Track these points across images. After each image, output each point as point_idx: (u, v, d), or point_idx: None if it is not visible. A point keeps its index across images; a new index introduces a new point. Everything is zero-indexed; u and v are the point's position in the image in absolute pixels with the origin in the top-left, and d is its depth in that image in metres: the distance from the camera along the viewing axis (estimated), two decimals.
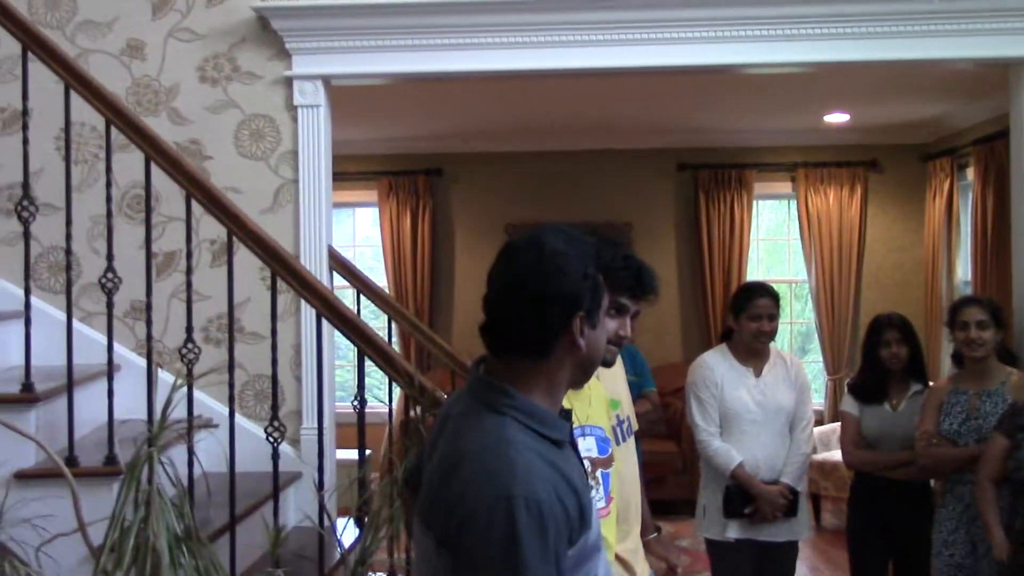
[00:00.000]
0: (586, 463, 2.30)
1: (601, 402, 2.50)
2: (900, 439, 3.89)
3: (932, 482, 3.91)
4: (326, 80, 3.89)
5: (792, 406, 3.93)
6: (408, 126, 7.65)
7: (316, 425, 3.59)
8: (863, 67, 4.06)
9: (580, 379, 1.74)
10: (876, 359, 4.02)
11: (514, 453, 1.52)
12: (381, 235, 8.22)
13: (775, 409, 3.91)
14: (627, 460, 2.91)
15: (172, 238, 3.84)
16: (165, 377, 3.49)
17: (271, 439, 2.82)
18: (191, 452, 2.71)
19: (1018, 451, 3.26)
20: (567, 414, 1.77)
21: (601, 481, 2.35)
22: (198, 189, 2.81)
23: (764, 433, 3.89)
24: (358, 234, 8.77)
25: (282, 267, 2.80)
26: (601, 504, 2.32)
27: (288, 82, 3.88)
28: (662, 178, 8.23)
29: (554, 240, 1.64)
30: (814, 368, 8.56)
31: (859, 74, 5.23)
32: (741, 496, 3.85)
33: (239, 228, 2.81)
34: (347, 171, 8.23)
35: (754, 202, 8.19)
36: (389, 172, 8.22)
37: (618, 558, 2.77)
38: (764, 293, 3.96)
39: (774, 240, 8.75)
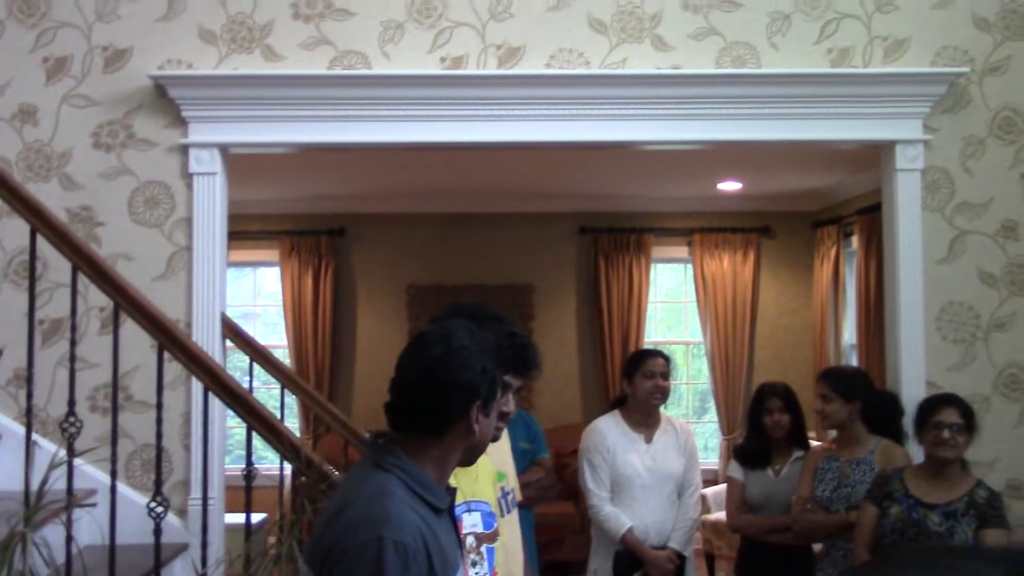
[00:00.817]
0: (471, 539, 2.35)
1: (488, 476, 2.56)
2: (782, 504, 4.01)
3: (816, 547, 4.03)
4: (223, 148, 3.91)
5: (681, 472, 4.04)
6: (310, 186, 7.65)
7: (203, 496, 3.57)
8: (752, 146, 4.24)
9: (469, 459, 1.96)
10: (760, 426, 4.15)
11: (390, 502, 1.73)
12: (282, 294, 8.16)
13: (665, 475, 4.00)
14: (511, 531, 2.96)
15: (60, 304, 3.77)
16: (50, 447, 3.42)
17: (152, 514, 2.78)
18: (69, 532, 2.66)
19: (884, 519, 3.39)
20: (452, 491, 1.96)
21: (486, 556, 2.39)
22: (84, 261, 2.79)
23: (654, 498, 3.98)
24: (260, 292, 8.69)
25: (169, 340, 2.79)
26: None
27: (184, 150, 3.88)
28: (563, 241, 8.38)
29: (461, 335, 1.87)
30: (710, 428, 8.75)
31: (751, 148, 5.44)
32: (630, 560, 3.92)
33: (125, 300, 2.80)
34: (248, 230, 8.19)
35: (652, 265, 8.39)
36: (291, 232, 8.19)
37: None
38: (657, 354, 4.08)
39: (671, 302, 8.96)
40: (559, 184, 7.68)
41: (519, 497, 3.03)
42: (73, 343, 2.91)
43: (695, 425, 8.79)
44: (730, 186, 7.72)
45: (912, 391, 3.86)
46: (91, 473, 3.69)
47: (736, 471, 4.21)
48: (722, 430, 8.32)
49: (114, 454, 2.89)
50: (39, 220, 2.80)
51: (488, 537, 2.43)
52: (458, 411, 1.83)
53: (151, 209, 3.89)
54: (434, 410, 1.83)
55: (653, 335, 8.64)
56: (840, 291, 7.74)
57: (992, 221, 3.99)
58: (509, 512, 2.98)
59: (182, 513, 3.78)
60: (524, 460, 3.94)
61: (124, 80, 3.88)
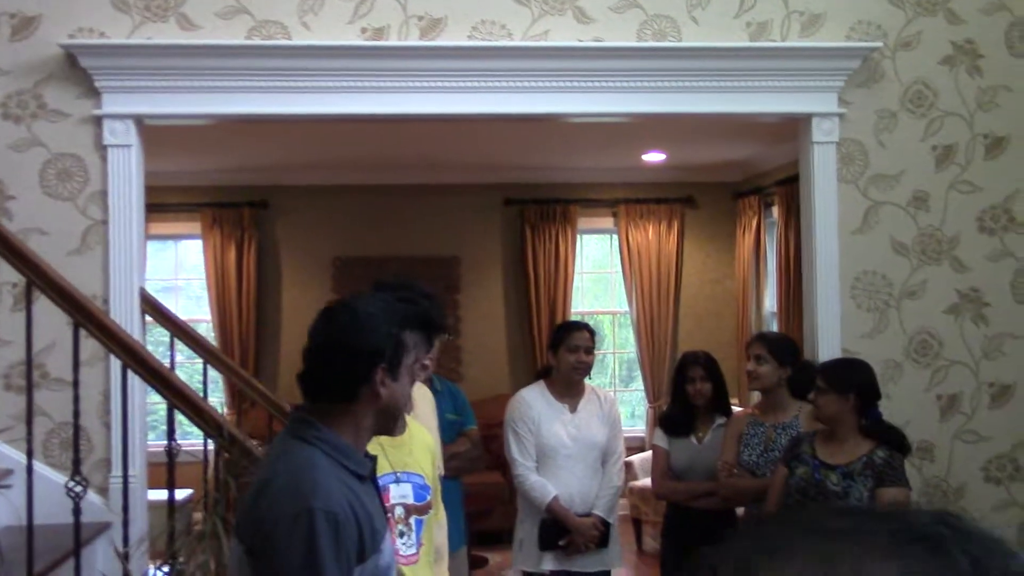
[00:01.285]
0: (399, 509, 2.36)
1: (423, 449, 2.58)
2: (705, 470, 4.09)
3: (739, 511, 4.13)
4: (138, 120, 3.82)
5: (605, 441, 4.09)
6: (232, 158, 7.52)
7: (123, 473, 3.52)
8: (673, 118, 4.28)
9: (385, 425, 1.97)
10: (683, 394, 4.23)
11: (317, 474, 1.76)
12: (205, 268, 8.03)
13: (589, 444, 4.06)
14: (437, 505, 3.00)
15: None
16: None
17: (71, 494, 2.73)
18: None
19: (790, 479, 3.49)
20: (372, 458, 1.98)
21: (414, 528, 2.41)
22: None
23: (578, 467, 4.03)
24: (182, 266, 8.54)
25: (85, 317, 2.73)
26: (412, 551, 2.38)
27: (97, 121, 3.78)
28: (489, 213, 8.38)
29: (366, 304, 1.93)
30: (636, 396, 8.87)
31: (671, 120, 5.50)
32: (556, 529, 3.97)
33: (38, 276, 2.73)
34: (169, 202, 8.03)
35: (578, 236, 8.45)
36: (212, 204, 8.05)
37: None
38: (582, 327, 4.13)
39: (598, 273, 9.03)
40: (484, 155, 7.67)
41: (442, 471, 3.06)
42: None
43: (622, 393, 8.91)
44: (654, 157, 7.79)
45: (828, 357, 3.95)
46: (7, 453, 3.63)
47: (661, 439, 4.28)
48: (648, 398, 8.44)
49: (30, 433, 2.83)
50: None
51: (419, 509, 2.45)
52: (364, 374, 1.85)
53: (64, 182, 3.79)
54: (341, 376, 1.86)
55: (580, 306, 8.71)
56: (761, 260, 7.89)
57: (904, 192, 4.10)
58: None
59: (103, 491, 3.72)
60: (451, 431, 3.96)
61: (33, 48, 3.76)
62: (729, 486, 3.91)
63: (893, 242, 4.09)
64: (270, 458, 1.91)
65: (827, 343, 4.05)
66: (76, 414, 2.81)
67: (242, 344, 7.93)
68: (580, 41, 3.97)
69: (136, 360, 2.73)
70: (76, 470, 2.79)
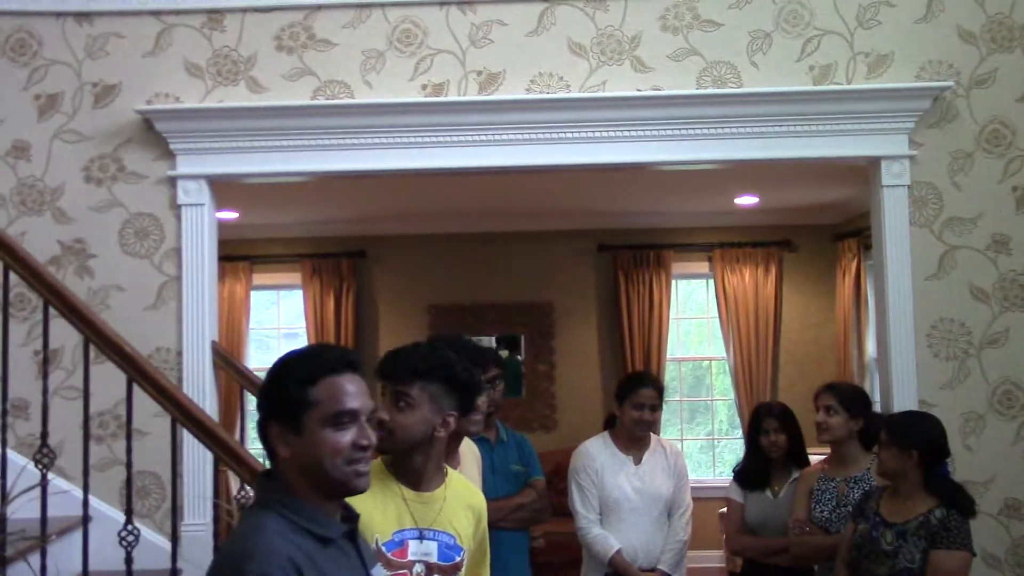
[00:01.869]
0: (419, 566, 2.35)
1: (463, 508, 2.50)
2: (780, 525, 3.97)
3: (816, 568, 3.98)
4: (209, 179, 3.99)
5: (670, 494, 4.02)
6: (330, 209, 7.75)
7: (200, 521, 3.64)
8: (737, 165, 4.22)
9: (325, 483, 1.82)
10: (757, 447, 4.12)
11: (259, 538, 1.71)
12: (305, 318, 8.26)
13: (653, 497, 3.99)
14: (483, 565, 2.99)
15: (54, 337, 3.87)
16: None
17: (123, 543, 2.84)
18: (44, 561, 2.73)
19: (854, 536, 3.35)
20: (353, 517, 1.92)
21: None
22: (54, 295, 2.87)
23: (642, 520, 3.97)
24: (283, 317, 8.81)
25: (137, 372, 2.86)
26: None
27: (172, 182, 3.97)
28: (582, 258, 8.38)
29: (285, 357, 1.88)
30: (736, 444, 8.66)
31: (752, 165, 5.41)
32: None
33: (95, 334, 2.87)
34: (270, 254, 8.33)
35: (673, 281, 8.35)
36: (312, 255, 8.30)
37: None
38: (648, 383, 4.08)
39: (694, 319, 8.90)
40: (577, 202, 7.69)
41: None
42: (46, 375, 2.99)
43: (725, 441, 8.72)
44: (747, 200, 7.67)
45: (904, 408, 3.79)
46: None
47: (735, 493, 4.18)
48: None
49: (86, 485, 2.95)
50: (12, 257, 2.89)
51: (442, 569, 2.40)
52: (263, 432, 1.82)
53: (141, 240, 3.98)
54: (260, 433, 1.85)
55: (676, 352, 8.60)
56: (863, 304, 7.64)
57: (982, 235, 3.92)
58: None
59: (178, 539, 3.85)
60: (517, 482, 3.95)
61: (113, 115, 3.99)
62: (801, 544, 3.79)
63: (972, 287, 3.92)
64: (236, 526, 1.89)
65: (903, 394, 3.89)
66: (129, 464, 2.93)
67: None
68: (638, 91, 3.97)
69: (184, 413, 2.83)
70: (129, 518, 2.90)
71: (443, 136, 3.98)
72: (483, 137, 3.98)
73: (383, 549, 2.29)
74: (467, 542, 2.49)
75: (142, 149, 3.98)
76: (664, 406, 8.32)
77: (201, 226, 3.96)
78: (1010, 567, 3.82)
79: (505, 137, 3.98)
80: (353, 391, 1.82)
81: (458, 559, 2.44)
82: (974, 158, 3.94)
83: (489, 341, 8.36)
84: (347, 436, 1.80)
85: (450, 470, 2.54)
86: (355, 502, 1.97)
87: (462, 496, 2.52)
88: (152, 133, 3.97)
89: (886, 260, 3.94)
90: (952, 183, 3.94)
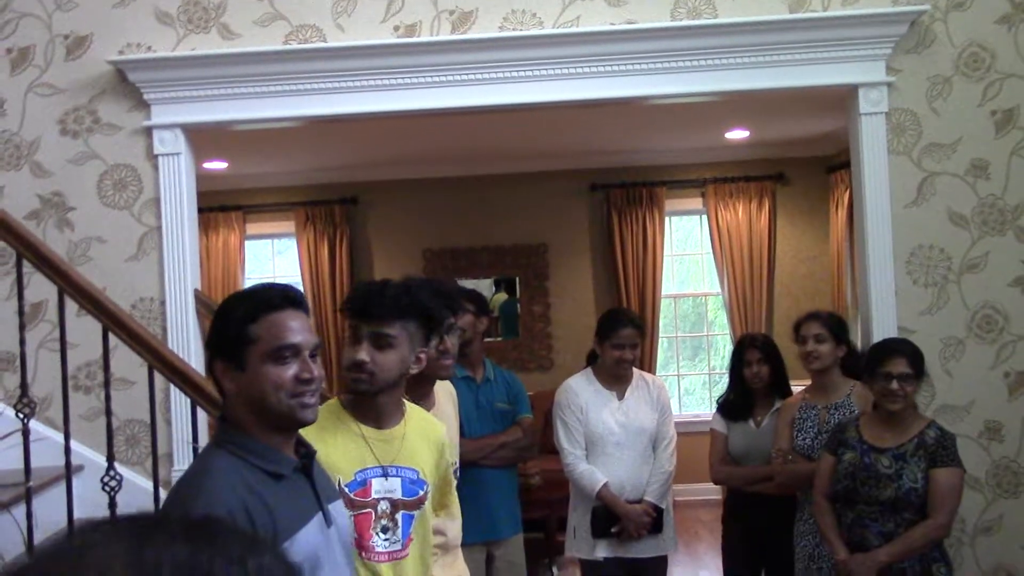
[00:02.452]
0: (384, 504, 2.38)
1: (425, 442, 2.53)
2: (763, 455, 4.02)
3: (799, 495, 4.04)
4: (185, 128, 3.98)
5: (654, 427, 4.06)
6: (321, 157, 7.74)
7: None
8: (710, 97, 4.19)
9: (271, 417, 1.86)
10: (740, 378, 4.16)
11: (206, 478, 1.74)
12: (299, 266, 8.29)
13: (637, 430, 4.03)
14: (453, 499, 3.03)
15: (38, 290, 3.91)
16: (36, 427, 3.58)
17: (106, 488, 2.89)
18: (28, 509, 2.79)
19: (840, 465, 3.40)
20: (309, 453, 1.95)
21: (400, 523, 2.41)
22: (29, 249, 2.89)
23: (627, 454, 4.02)
24: (278, 266, 8.84)
25: (112, 321, 2.88)
26: (396, 546, 2.39)
27: (148, 132, 3.97)
28: (575, 198, 8.36)
29: (229, 297, 1.92)
30: None
31: (736, 97, 5.37)
32: (607, 516, 3.97)
33: (69, 285, 2.89)
34: (263, 203, 8.33)
35: (666, 218, 8.34)
36: (305, 203, 8.30)
37: None
38: (627, 323, 4.09)
39: (688, 255, 8.90)
40: (568, 142, 7.66)
41: (456, 464, 3.10)
42: (22, 327, 3.01)
43: (727, 376, 8.74)
44: (738, 135, 7.62)
45: (884, 336, 3.81)
46: (77, 450, 3.84)
47: (718, 423, 4.23)
48: None
49: (67, 433, 3.00)
50: None
51: (407, 504, 2.43)
52: (208, 367, 1.87)
53: (119, 191, 3.99)
54: (208, 373, 1.90)
55: (670, 288, 8.61)
56: (856, 236, 7.61)
57: (961, 161, 3.91)
58: (454, 481, 3.05)
59: (167, 484, 3.91)
60: (504, 421, 3.99)
61: (86, 67, 3.97)
62: (785, 472, 3.84)
63: (951, 213, 3.91)
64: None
65: (883, 321, 3.91)
66: (108, 411, 2.98)
67: (337, 339, 8.15)
68: (612, 25, 3.93)
69: (157, 357, 2.86)
70: (110, 465, 2.95)
71: (417, 77, 3.96)
72: (458, 77, 3.96)
73: (345, 489, 2.31)
74: (430, 476, 2.51)
75: (116, 100, 3.97)
76: (664, 342, 8.41)
77: (179, 175, 3.96)
78: (990, 488, 3.86)
79: (480, 76, 3.96)
80: (295, 327, 1.86)
81: (422, 493, 2.46)
82: (952, 83, 3.91)
83: (488, 284, 8.39)
84: (289, 370, 1.83)
85: (409, 405, 2.56)
86: (314, 444, 2.00)
87: (422, 430, 2.54)
88: (126, 84, 3.96)
89: (864, 188, 3.94)
90: (931, 109, 3.91)
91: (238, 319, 1.83)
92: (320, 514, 1.89)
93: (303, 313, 1.90)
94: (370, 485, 2.35)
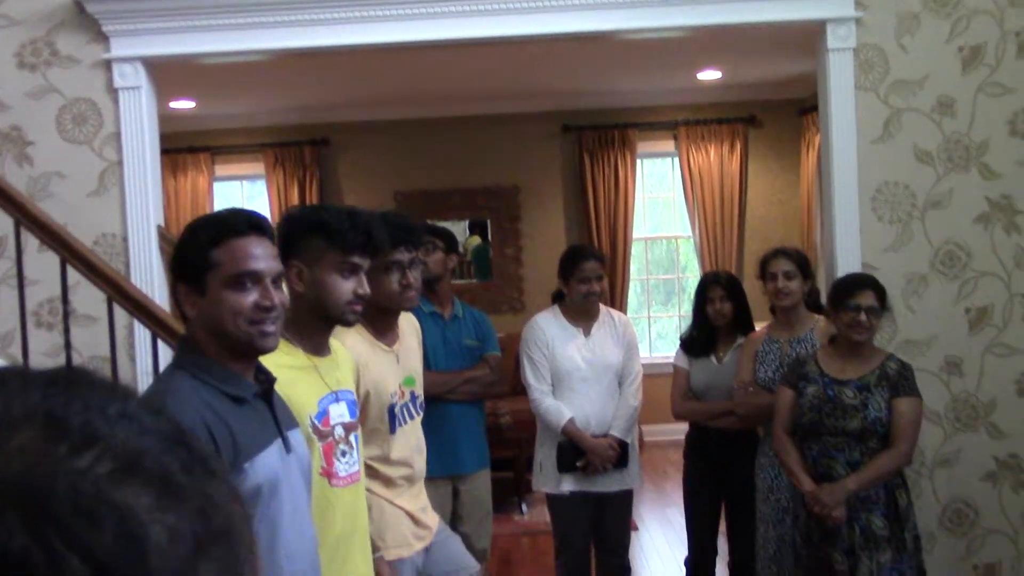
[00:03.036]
0: (339, 429, 2.40)
1: (349, 367, 2.58)
2: (724, 390, 4.05)
3: (760, 430, 4.09)
4: (145, 61, 3.91)
5: (620, 363, 4.09)
6: (291, 97, 7.65)
7: None
8: (672, 32, 4.15)
9: (230, 342, 1.85)
10: (704, 315, 4.18)
11: (168, 397, 1.72)
12: (269, 208, 8.23)
13: (603, 366, 4.06)
14: (419, 431, 3.06)
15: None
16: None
17: None
18: None
19: (800, 399, 3.44)
20: (268, 378, 1.95)
21: (354, 445, 2.45)
22: None
23: (593, 390, 4.04)
24: (249, 206, 8.76)
25: (69, 253, 2.85)
26: (355, 468, 2.42)
27: (107, 65, 3.89)
28: (547, 141, 8.33)
29: (195, 220, 1.90)
30: None
31: (723, 33, 5.33)
32: (573, 451, 4.00)
33: (24, 216, 2.86)
34: (232, 144, 8.24)
35: (638, 161, 8.32)
36: (274, 144, 8.22)
37: (411, 516, 2.93)
38: (590, 256, 4.10)
39: (659, 197, 8.90)
40: (540, 83, 7.61)
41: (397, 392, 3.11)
42: None
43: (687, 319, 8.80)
44: (710, 76, 7.59)
45: (848, 272, 3.83)
46: None
47: (681, 360, 4.26)
48: None
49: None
50: None
51: (354, 425, 2.47)
52: (173, 291, 1.86)
53: (80, 126, 3.93)
54: (171, 296, 1.90)
55: (641, 231, 8.62)
56: (822, 172, 7.63)
57: (928, 98, 3.91)
58: (419, 413, 3.07)
59: None
60: (471, 357, 4.00)
61: None
62: (746, 404, 3.88)
63: (916, 150, 3.92)
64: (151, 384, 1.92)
65: (846, 257, 3.93)
66: (67, 344, 2.96)
67: None
68: None
69: (120, 292, 2.84)
70: None
71: (388, 9, 3.90)
72: (429, 9, 3.90)
73: (315, 422, 2.33)
74: (359, 398, 2.59)
75: (75, 32, 3.89)
76: (636, 285, 8.44)
77: (140, 110, 3.90)
78: (949, 422, 3.92)
79: (451, 9, 3.90)
80: (257, 253, 1.84)
81: (359, 413, 2.52)
82: (920, 19, 3.89)
83: (462, 228, 8.37)
84: (249, 297, 1.82)
85: None
86: (282, 382, 2.00)
87: (343, 354, 2.58)
88: (84, 15, 3.87)
89: (831, 125, 3.94)
90: (898, 45, 3.90)
91: (201, 243, 1.82)
92: (279, 440, 1.89)
93: (267, 240, 1.88)
94: (329, 412, 2.37)
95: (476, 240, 8.46)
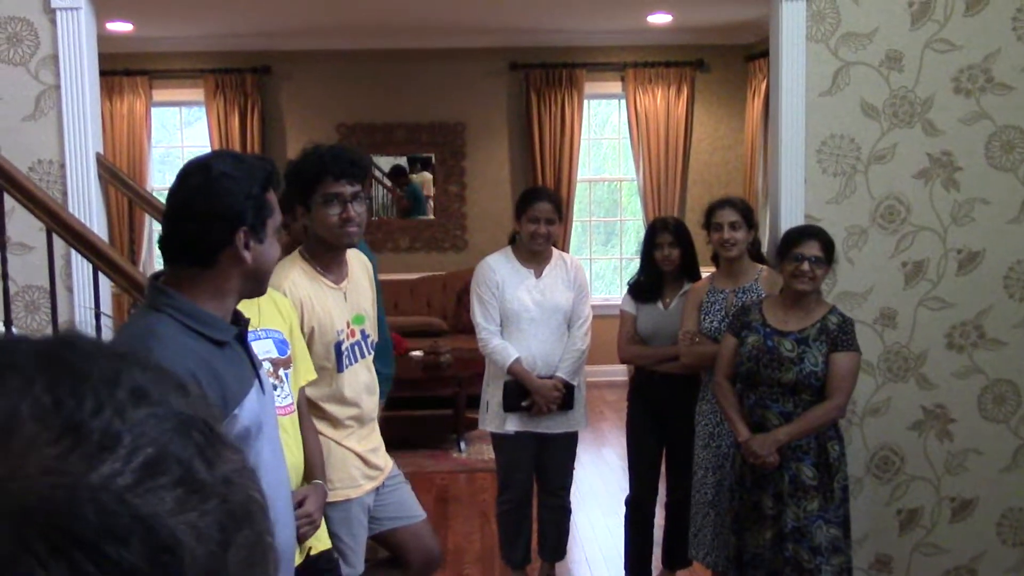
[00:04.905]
0: (268, 364, 2.40)
1: (272, 308, 2.57)
2: (670, 335, 4.10)
3: (703, 376, 4.15)
4: None
5: (569, 306, 4.12)
6: (233, 22, 7.44)
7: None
8: None
9: (253, 288, 1.95)
10: (651, 261, 4.21)
11: (156, 344, 1.72)
12: (209, 135, 8.05)
13: (552, 308, 4.08)
14: (371, 371, 3.05)
15: None
16: None
17: None
18: None
19: (742, 348, 3.50)
20: (244, 321, 1.96)
21: (285, 379, 2.46)
22: None
23: (541, 331, 4.07)
24: (187, 135, 8.57)
25: (8, 182, 2.76)
26: (287, 401, 2.44)
27: None
28: (494, 78, 8.24)
29: (222, 164, 1.86)
30: None
31: None
32: (518, 391, 4.04)
33: None
34: (171, 68, 8.02)
35: (585, 101, 8.29)
36: (215, 70, 8.02)
37: (360, 456, 2.94)
38: (543, 197, 4.10)
39: (604, 139, 8.90)
40: (489, 18, 7.50)
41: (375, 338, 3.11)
42: None
43: (637, 261, 8.86)
44: (660, 18, 7.55)
45: (791, 223, 3.89)
46: None
47: (628, 304, 4.29)
48: None
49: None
50: None
51: (283, 362, 2.48)
52: (221, 239, 1.82)
53: (15, 46, 3.78)
54: (197, 240, 1.83)
55: (586, 172, 8.62)
56: (770, 126, 7.69)
57: (877, 52, 3.93)
58: (369, 353, 3.06)
59: None
60: None
61: None
62: (691, 353, 3.93)
63: (863, 104, 3.95)
64: (121, 328, 1.91)
65: (791, 209, 3.97)
66: (4, 275, 2.88)
67: None
68: None
69: (57, 221, 2.76)
70: (8, 331, 2.87)
71: None
72: None
73: None
74: (295, 340, 2.60)
75: None
76: (578, 227, 8.47)
77: (79, 32, 3.76)
78: (881, 372, 4.03)
79: None
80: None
81: (290, 352, 2.53)
82: None
83: (402, 162, 8.29)
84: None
85: None
86: None
87: (273, 296, 2.57)
88: None
89: (781, 75, 3.95)
90: None
91: (260, 190, 1.90)
92: (257, 382, 1.90)
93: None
94: (260, 346, 2.38)
95: (426, 177, 8.38)
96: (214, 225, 1.82)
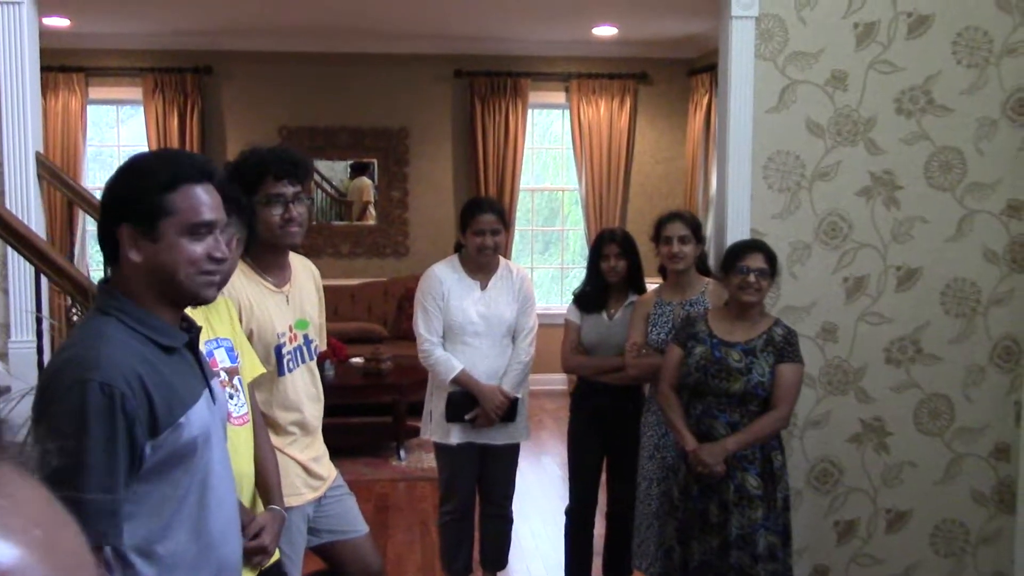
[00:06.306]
0: (223, 373, 2.36)
1: (218, 315, 2.52)
2: (615, 346, 4.12)
3: (646, 387, 4.18)
4: None
5: (513, 318, 4.10)
6: (173, 20, 7.31)
7: (26, 338, 3.53)
8: None
9: (174, 291, 1.80)
10: (598, 271, 4.23)
11: (103, 345, 1.68)
12: (146, 135, 7.90)
13: (497, 321, 4.06)
14: (315, 376, 3.01)
15: None
16: None
17: None
18: None
19: (688, 358, 3.53)
20: (194, 328, 1.89)
21: (240, 388, 2.42)
22: None
23: (485, 344, 4.05)
24: (123, 134, 8.39)
25: None
26: (243, 410, 2.40)
27: None
28: (439, 84, 8.23)
29: (140, 158, 1.82)
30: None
31: None
32: (462, 402, 4.02)
33: None
34: (108, 66, 7.86)
35: (529, 111, 8.32)
36: (154, 68, 7.87)
37: (302, 465, 2.90)
38: (487, 209, 4.08)
39: (547, 149, 8.94)
40: (435, 25, 7.49)
41: (323, 347, 3.07)
42: None
43: (577, 270, 8.92)
44: (606, 31, 7.61)
45: (737, 237, 3.94)
46: None
47: (573, 314, 4.29)
48: None
49: None
50: None
51: (235, 370, 2.44)
52: (109, 234, 1.76)
53: None
54: (100, 235, 1.78)
55: (529, 181, 8.65)
56: (711, 140, 7.80)
57: (823, 71, 4.01)
58: (312, 359, 3.01)
59: (3, 356, 3.73)
60: None
61: None
62: (638, 366, 3.95)
63: (808, 122, 4.03)
64: (72, 332, 1.84)
65: (737, 223, 4.03)
66: None
67: None
68: None
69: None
70: None
71: None
72: None
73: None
74: (242, 348, 2.55)
75: None
76: (517, 235, 8.48)
77: (20, 27, 3.66)
78: (822, 385, 4.10)
79: None
80: (210, 203, 1.79)
81: (240, 361, 2.49)
82: None
83: (343, 167, 8.22)
84: (202, 247, 1.77)
85: None
86: None
87: (222, 303, 2.54)
88: None
89: (730, 91, 4.00)
90: (798, 17, 3.98)
91: (156, 185, 1.73)
92: (207, 390, 1.85)
93: (214, 188, 1.81)
94: (214, 357, 2.33)
95: (367, 183, 8.32)
96: (104, 219, 1.77)
